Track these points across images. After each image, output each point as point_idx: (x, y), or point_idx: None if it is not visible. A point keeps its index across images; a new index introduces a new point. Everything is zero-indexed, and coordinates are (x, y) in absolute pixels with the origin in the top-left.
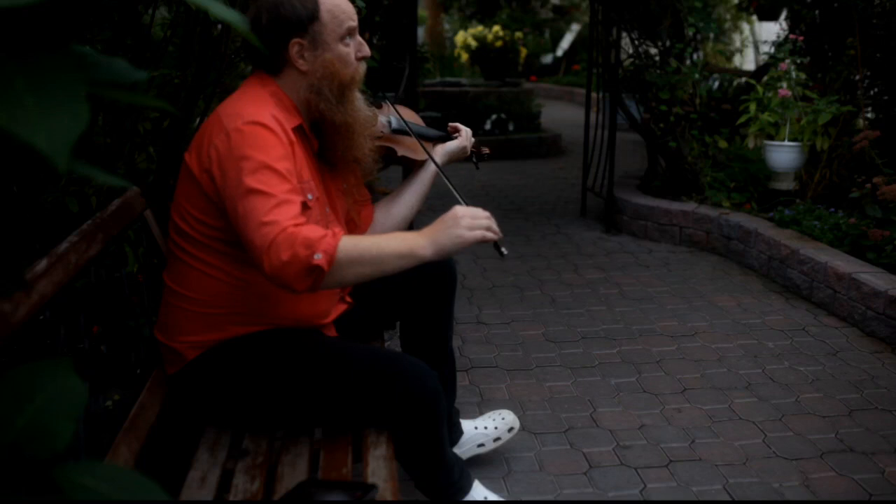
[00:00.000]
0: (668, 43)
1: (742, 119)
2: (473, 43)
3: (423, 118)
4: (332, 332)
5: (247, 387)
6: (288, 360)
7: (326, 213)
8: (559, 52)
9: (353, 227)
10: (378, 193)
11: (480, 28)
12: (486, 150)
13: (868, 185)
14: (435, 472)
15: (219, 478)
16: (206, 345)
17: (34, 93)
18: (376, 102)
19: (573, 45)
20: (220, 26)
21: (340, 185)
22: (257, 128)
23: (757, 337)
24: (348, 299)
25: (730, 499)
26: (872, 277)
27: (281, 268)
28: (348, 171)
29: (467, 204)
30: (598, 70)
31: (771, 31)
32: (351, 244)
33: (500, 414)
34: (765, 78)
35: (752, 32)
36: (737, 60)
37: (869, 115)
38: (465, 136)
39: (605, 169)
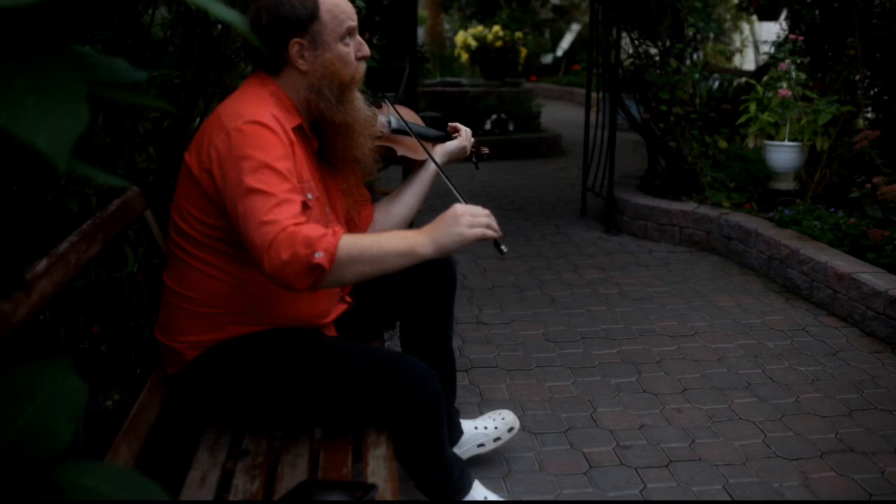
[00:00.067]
0: (668, 43)
1: (742, 119)
2: (473, 43)
3: (423, 118)
4: (332, 332)
5: (247, 387)
6: (288, 360)
7: (326, 212)
8: (559, 52)
9: (353, 226)
10: (378, 193)
11: (480, 28)
12: (485, 150)
13: (868, 185)
14: (435, 472)
15: (219, 478)
16: (206, 345)
17: (34, 93)
18: (376, 102)
19: (573, 45)
20: (220, 26)
21: (340, 185)
22: (257, 127)
23: (757, 337)
24: (348, 299)
25: (730, 499)
26: (872, 277)
27: (281, 267)
28: (348, 170)
29: (467, 202)
30: (598, 70)
31: (771, 31)
32: (351, 243)
33: (500, 414)
34: (765, 78)
35: (752, 32)
36: (737, 60)
37: (869, 115)
38: (464, 136)
39: (605, 169)
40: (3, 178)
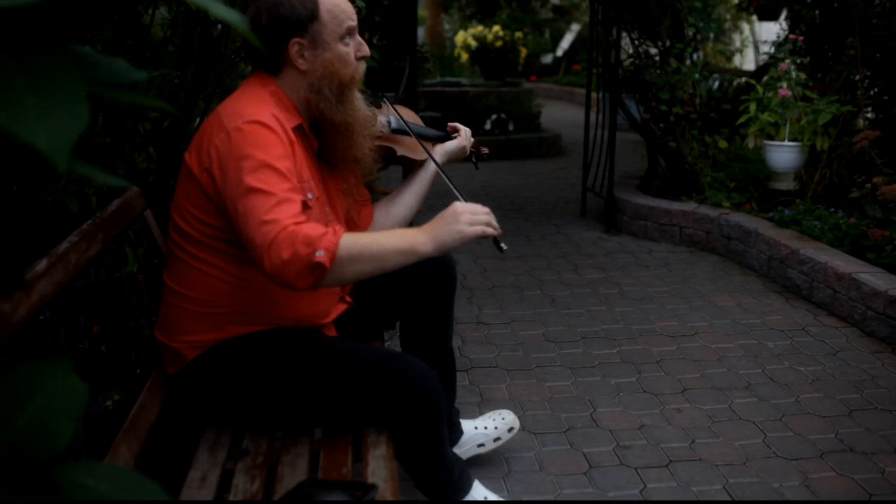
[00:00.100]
0: (668, 43)
1: (742, 119)
2: (473, 43)
3: (423, 118)
4: (332, 332)
5: (247, 387)
6: (288, 360)
7: (326, 212)
8: (559, 52)
9: (353, 226)
10: (378, 193)
11: (480, 28)
12: (485, 150)
13: (868, 185)
14: (435, 472)
15: (219, 478)
16: (206, 345)
17: (34, 93)
18: (375, 102)
19: (573, 45)
20: (220, 26)
21: (340, 185)
22: (257, 127)
23: (757, 337)
24: (348, 299)
25: (730, 499)
26: (872, 277)
27: (282, 266)
28: (348, 170)
29: (466, 201)
30: (598, 70)
31: (771, 31)
32: (351, 241)
33: (500, 414)
34: (765, 78)
35: (752, 32)
36: (737, 60)
37: (869, 115)
38: (464, 136)
39: (605, 169)
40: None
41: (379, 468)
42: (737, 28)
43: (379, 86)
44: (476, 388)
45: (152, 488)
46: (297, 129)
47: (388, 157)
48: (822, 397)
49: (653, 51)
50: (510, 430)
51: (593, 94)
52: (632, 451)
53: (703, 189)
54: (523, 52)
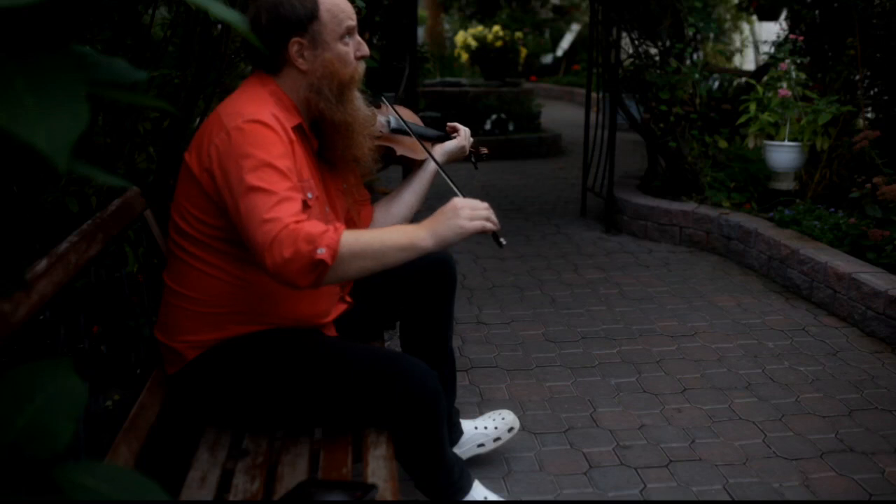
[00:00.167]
0: (668, 43)
1: (742, 119)
2: (473, 43)
3: (423, 118)
4: (332, 332)
5: (247, 387)
6: (288, 360)
7: (326, 212)
8: (559, 52)
9: (353, 226)
10: (378, 193)
11: (480, 28)
12: (484, 150)
13: (868, 185)
14: (435, 472)
15: (219, 478)
16: (207, 344)
17: (34, 93)
18: (375, 102)
19: (573, 45)
20: (220, 26)
21: (340, 185)
22: (258, 126)
23: (757, 337)
24: (348, 299)
25: (730, 499)
26: (872, 277)
27: (283, 265)
28: (348, 170)
29: (465, 196)
30: (598, 70)
31: (771, 31)
32: (353, 238)
33: (500, 414)
34: (765, 78)
35: (752, 32)
36: (737, 60)
37: (869, 115)
38: (463, 136)
39: (605, 169)
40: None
41: (379, 468)
42: (737, 28)
43: (379, 86)
44: (476, 388)
45: (152, 488)
46: (297, 129)
47: (387, 156)
48: (822, 397)
49: (653, 51)
50: (510, 430)
51: (593, 94)
52: (632, 451)
53: (703, 189)
54: (523, 52)
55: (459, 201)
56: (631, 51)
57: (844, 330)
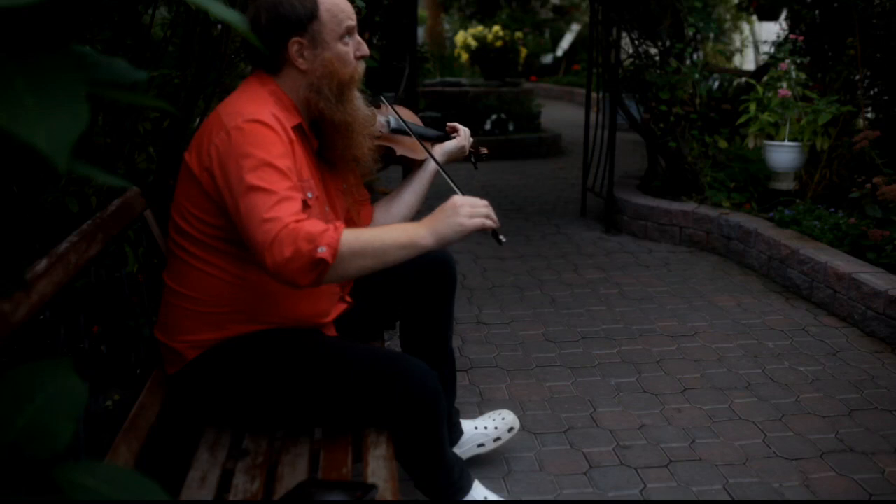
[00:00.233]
0: (668, 43)
1: (742, 119)
2: (473, 43)
3: (423, 118)
4: (332, 332)
5: (247, 387)
6: (288, 360)
7: (326, 212)
8: (559, 52)
9: (353, 226)
10: (378, 193)
11: (480, 28)
12: (484, 150)
13: (868, 185)
14: (435, 472)
15: (219, 478)
16: (207, 344)
17: (34, 93)
18: (374, 102)
19: (573, 45)
20: (220, 26)
21: (340, 185)
22: (258, 126)
23: (757, 337)
24: (348, 299)
25: (730, 499)
26: (872, 277)
27: (284, 264)
28: (348, 170)
29: (464, 194)
30: (598, 70)
31: (771, 31)
32: (353, 237)
33: (500, 414)
34: (765, 78)
35: (752, 32)
36: (737, 60)
37: (869, 115)
38: (463, 136)
39: (605, 169)
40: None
41: (379, 468)
42: (737, 28)
43: (379, 86)
44: (476, 388)
45: (152, 488)
46: (297, 129)
47: (387, 156)
48: (822, 397)
49: (653, 51)
50: (510, 430)
51: (593, 94)
52: (632, 451)
53: (703, 189)
54: (523, 52)
55: (459, 199)
56: (631, 51)
57: (844, 330)
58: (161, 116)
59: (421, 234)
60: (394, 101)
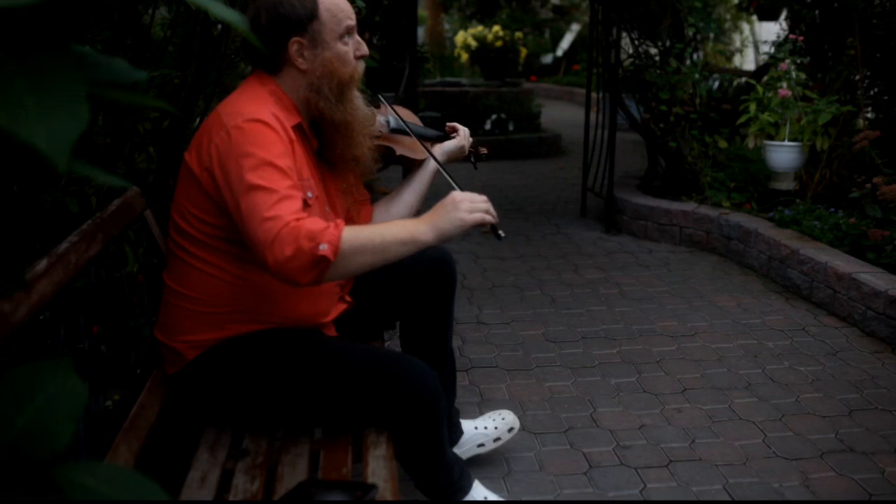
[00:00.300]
0: (668, 43)
1: (742, 119)
2: (473, 43)
3: (423, 118)
4: (332, 332)
5: (247, 387)
6: (288, 359)
7: (326, 211)
8: (559, 52)
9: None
10: (378, 193)
11: (480, 28)
12: (483, 150)
13: (868, 185)
14: (435, 472)
15: (219, 478)
16: (207, 344)
17: (34, 93)
18: (374, 102)
19: (573, 45)
20: (220, 26)
21: (340, 185)
22: (258, 125)
23: (757, 337)
24: (348, 299)
25: (730, 499)
26: (872, 277)
27: (285, 262)
28: (347, 170)
29: (463, 190)
30: (598, 70)
31: (771, 31)
32: (353, 234)
33: (500, 414)
34: (765, 78)
35: (752, 32)
36: (737, 60)
37: (869, 115)
38: (462, 136)
39: (605, 169)
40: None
41: (379, 468)
42: (737, 28)
43: (379, 86)
44: (476, 388)
45: (152, 488)
46: (297, 128)
47: (387, 156)
48: (822, 397)
49: (653, 51)
50: (510, 430)
51: (593, 94)
52: (632, 451)
53: (703, 189)
54: (523, 52)
55: (458, 195)
56: (631, 51)
57: (844, 330)
58: (161, 116)
59: (421, 229)
60: (394, 101)
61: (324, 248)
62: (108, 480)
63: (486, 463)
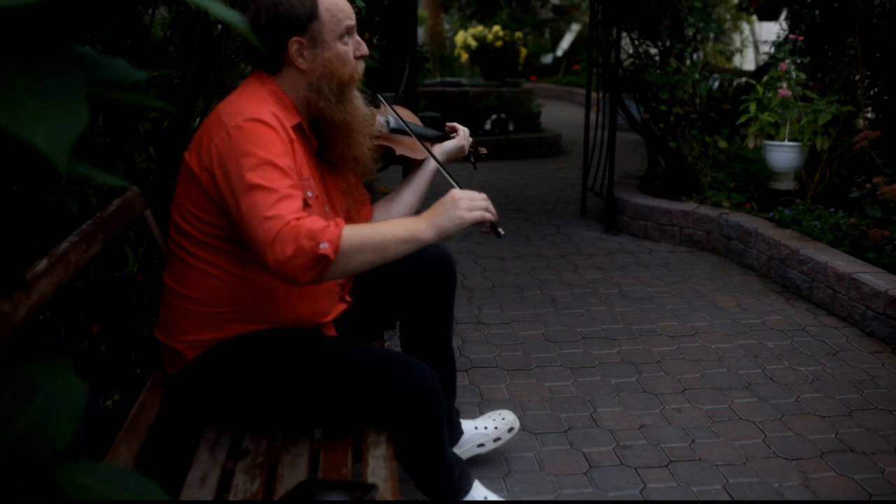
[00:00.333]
0: (668, 43)
1: (742, 119)
2: (473, 43)
3: (423, 118)
4: (332, 332)
5: (247, 387)
6: (288, 359)
7: (326, 211)
8: (559, 52)
9: None
10: (378, 193)
11: (480, 28)
12: (483, 150)
13: (868, 185)
14: (435, 472)
15: (219, 478)
16: (207, 344)
17: (34, 93)
18: (374, 102)
19: (573, 45)
20: (220, 26)
21: (340, 185)
22: (258, 125)
23: (757, 337)
24: (348, 298)
25: (730, 499)
26: (872, 277)
27: (286, 261)
28: (347, 169)
29: (462, 188)
30: (598, 70)
31: (771, 31)
32: (354, 233)
33: (500, 414)
34: (765, 78)
35: (752, 32)
36: (737, 60)
37: (869, 115)
38: (462, 136)
39: (605, 169)
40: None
41: (379, 468)
42: (737, 28)
43: (379, 86)
44: (476, 388)
45: (152, 488)
46: (297, 128)
47: (387, 156)
48: (822, 397)
49: (653, 51)
50: (510, 430)
51: (593, 94)
52: (632, 451)
53: (703, 189)
54: (523, 52)
55: (458, 193)
56: (631, 51)
57: (844, 330)
58: (161, 116)
59: (421, 227)
60: (394, 101)
61: (324, 247)
62: (108, 480)
63: (486, 463)
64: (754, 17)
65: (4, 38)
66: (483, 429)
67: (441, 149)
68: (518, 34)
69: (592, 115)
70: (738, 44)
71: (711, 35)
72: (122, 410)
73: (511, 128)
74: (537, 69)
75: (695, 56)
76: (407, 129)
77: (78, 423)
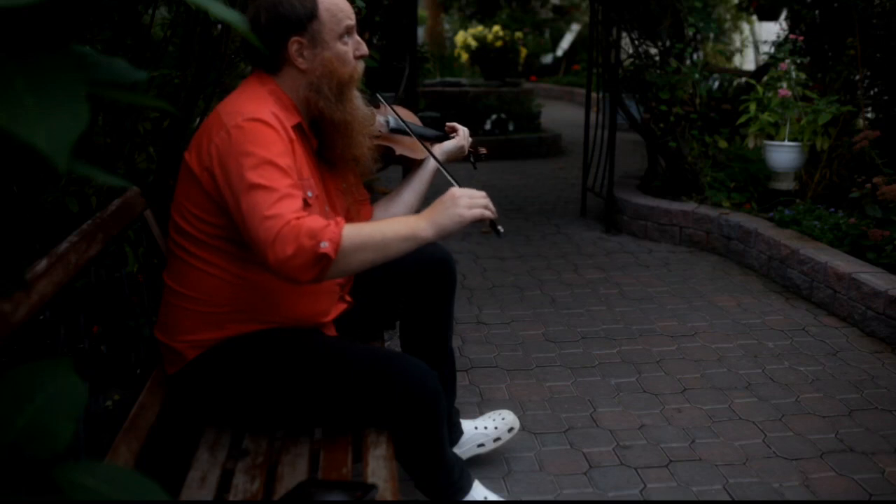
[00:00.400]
0: (668, 43)
1: (742, 119)
2: (473, 43)
3: (422, 118)
4: (332, 332)
5: (247, 387)
6: (288, 359)
7: (326, 211)
8: (559, 52)
9: None
10: (378, 193)
11: (480, 28)
12: (483, 150)
13: (868, 185)
14: (435, 472)
15: (219, 478)
16: (207, 344)
17: (34, 93)
18: (373, 102)
19: (573, 45)
20: (220, 26)
21: (339, 184)
22: (258, 124)
23: (757, 337)
24: (348, 298)
25: (730, 499)
26: (872, 277)
27: (286, 260)
28: (347, 169)
29: (461, 186)
30: (598, 70)
31: (771, 31)
32: (354, 231)
33: (500, 414)
34: (765, 78)
35: (752, 32)
36: (737, 60)
37: (869, 115)
38: (462, 136)
39: (605, 169)
40: (3, 178)
41: (379, 468)
42: (737, 28)
43: (379, 86)
44: (476, 388)
45: (152, 488)
46: (297, 128)
47: (386, 156)
48: (822, 397)
49: (653, 51)
50: (510, 430)
51: (593, 94)
52: (632, 451)
53: (703, 189)
54: (523, 52)
55: (457, 191)
56: (631, 51)
57: (844, 330)
58: (161, 116)
59: (421, 226)
60: (393, 101)
61: (325, 246)
62: (108, 480)
63: (486, 463)
64: (754, 17)
65: (4, 38)
66: (483, 429)
67: (441, 149)
68: (518, 34)
69: (592, 115)
70: (738, 44)
71: (711, 35)
72: (122, 410)
73: (511, 128)
74: (537, 69)
75: (695, 56)
76: (407, 129)
77: (78, 423)
